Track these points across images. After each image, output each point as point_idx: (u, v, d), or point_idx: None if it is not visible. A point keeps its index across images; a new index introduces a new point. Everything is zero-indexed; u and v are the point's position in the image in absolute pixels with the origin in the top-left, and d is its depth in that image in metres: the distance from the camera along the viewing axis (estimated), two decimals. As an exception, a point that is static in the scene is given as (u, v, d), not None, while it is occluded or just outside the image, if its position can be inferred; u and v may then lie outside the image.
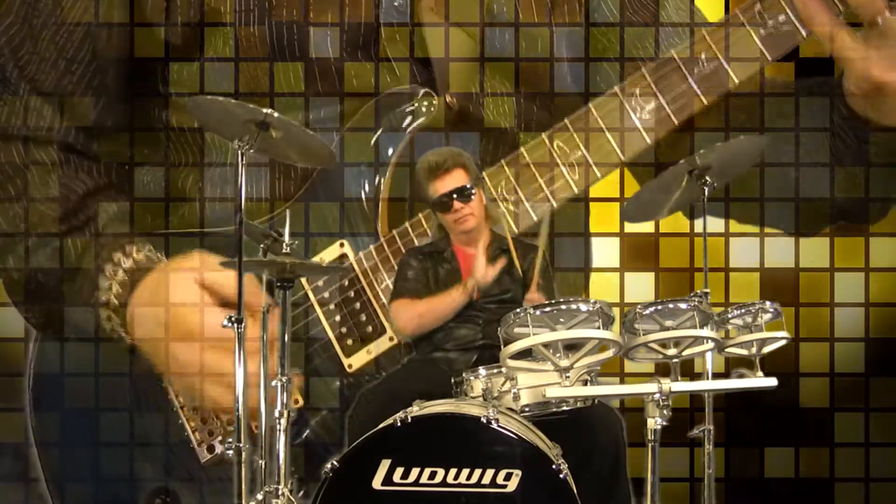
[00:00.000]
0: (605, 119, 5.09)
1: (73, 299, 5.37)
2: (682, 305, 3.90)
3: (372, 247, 5.24)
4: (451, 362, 4.66)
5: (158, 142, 5.56)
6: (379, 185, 5.25)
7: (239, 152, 4.27)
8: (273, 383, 4.39)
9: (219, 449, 5.28)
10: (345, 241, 5.28)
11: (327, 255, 5.26)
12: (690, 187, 4.33)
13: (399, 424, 4.00)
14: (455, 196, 4.73)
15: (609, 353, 3.92)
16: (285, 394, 4.38)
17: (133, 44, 5.45)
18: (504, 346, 3.92)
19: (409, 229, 5.23)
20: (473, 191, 4.74)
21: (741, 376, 4.11)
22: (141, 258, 5.29)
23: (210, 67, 5.39)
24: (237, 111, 4.26)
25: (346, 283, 5.26)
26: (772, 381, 3.98)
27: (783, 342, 4.25)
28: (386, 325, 5.17)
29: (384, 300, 5.16)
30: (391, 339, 5.17)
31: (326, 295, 5.27)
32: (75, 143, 5.44)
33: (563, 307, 3.88)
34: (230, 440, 4.27)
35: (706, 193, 4.32)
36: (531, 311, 3.87)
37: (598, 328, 3.85)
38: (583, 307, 3.87)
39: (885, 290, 6.13)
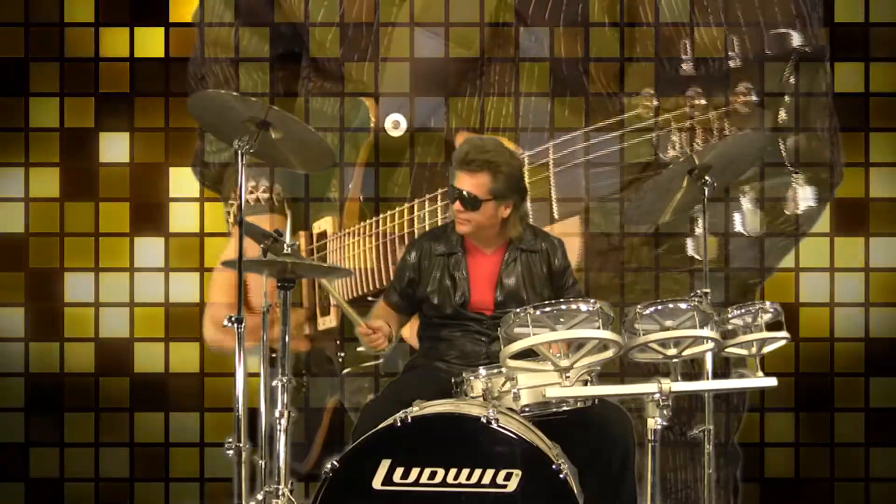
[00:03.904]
0: None
1: None
2: (683, 305, 3.88)
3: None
4: (453, 375, 4.50)
5: None
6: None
7: (239, 152, 4.27)
8: (273, 383, 4.39)
9: None
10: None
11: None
12: (691, 188, 4.32)
13: (399, 424, 3.98)
14: (458, 197, 4.56)
15: (609, 354, 3.91)
16: (286, 394, 4.38)
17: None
18: (504, 346, 3.90)
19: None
20: (481, 202, 4.53)
21: (741, 376, 4.10)
22: None
23: None
24: (239, 107, 4.25)
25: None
26: (772, 381, 3.97)
27: (783, 342, 4.25)
28: None
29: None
30: None
31: None
32: None
33: (563, 307, 3.86)
34: (230, 440, 4.28)
35: (707, 194, 4.31)
36: (531, 311, 3.85)
37: (598, 328, 3.84)
38: (583, 307, 3.85)
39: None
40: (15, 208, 6.21)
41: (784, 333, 4.21)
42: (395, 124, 5.56)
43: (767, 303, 4.22)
